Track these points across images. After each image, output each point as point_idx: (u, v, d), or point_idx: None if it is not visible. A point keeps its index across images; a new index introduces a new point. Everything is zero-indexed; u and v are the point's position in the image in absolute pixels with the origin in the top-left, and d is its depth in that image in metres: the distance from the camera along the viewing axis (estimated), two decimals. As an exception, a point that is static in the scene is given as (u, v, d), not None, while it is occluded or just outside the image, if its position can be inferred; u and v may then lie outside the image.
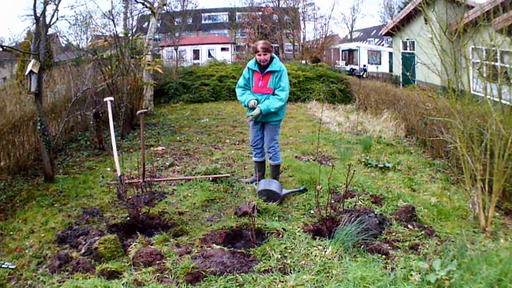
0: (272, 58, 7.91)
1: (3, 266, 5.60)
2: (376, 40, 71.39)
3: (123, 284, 4.94)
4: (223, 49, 56.39)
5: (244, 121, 16.33)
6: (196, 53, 54.73)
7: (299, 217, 6.98)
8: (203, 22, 68.07)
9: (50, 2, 9.66)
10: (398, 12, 50.96)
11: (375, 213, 6.81)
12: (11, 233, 6.82)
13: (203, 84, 24.49)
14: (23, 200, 8.16)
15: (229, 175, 9.17)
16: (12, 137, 9.65)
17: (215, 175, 9.06)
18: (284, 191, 7.83)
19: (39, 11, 9.20)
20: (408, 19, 28.48)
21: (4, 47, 9.98)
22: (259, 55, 7.76)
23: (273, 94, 7.89)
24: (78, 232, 6.47)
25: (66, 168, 10.34)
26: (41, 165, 9.77)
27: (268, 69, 7.84)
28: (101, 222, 7.01)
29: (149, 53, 17.70)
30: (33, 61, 8.64)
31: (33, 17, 9.22)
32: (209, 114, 19.41)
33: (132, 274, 5.25)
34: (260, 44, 7.77)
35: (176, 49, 28.24)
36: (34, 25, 9.37)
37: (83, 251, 5.87)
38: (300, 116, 18.05)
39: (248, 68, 8.05)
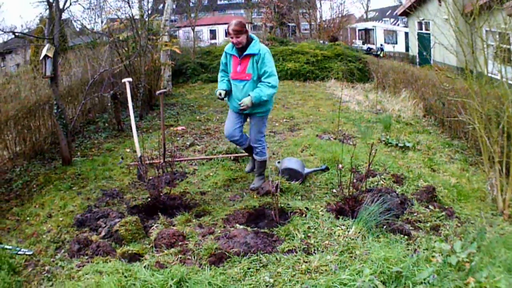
0: (250, 40, 6.84)
1: (19, 252, 5.52)
2: (392, 20, 71.10)
3: (144, 267, 4.86)
4: (239, 29, 56.01)
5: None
6: (213, 33, 54.56)
7: (321, 196, 6.89)
8: (218, 2, 67.89)
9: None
10: None
11: (397, 192, 6.77)
12: (28, 218, 6.76)
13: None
14: (40, 184, 8.09)
15: (247, 154, 8.88)
16: (27, 122, 9.58)
17: (236, 154, 8.96)
18: (306, 170, 7.67)
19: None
20: None
21: (17, 34, 9.91)
22: (231, 37, 6.68)
23: (256, 80, 6.86)
24: (97, 215, 6.41)
25: (84, 151, 10.27)
26: (58, 149, 9.71)
27: (246, 52, 6.74)
28: (121, 204, 6.94)
29: (166, 34, 17.51)
30: (47, 45, 8.51)
31: (46, 3, 9.14)
32: (228, 93, 19.10)
33: (154, 256, 5.20)
34: (231, 25, 6.60)
35: (193, 30, 28.03)
36: (47, 11, 9.29)
37: (103, 234, 5.80)
38: (319, 95, 17.69)
39: (226, 52, 7.09)
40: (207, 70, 23.48)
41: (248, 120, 7.38)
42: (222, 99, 7.11)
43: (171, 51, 17.69)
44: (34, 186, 8.05)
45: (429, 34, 27.61)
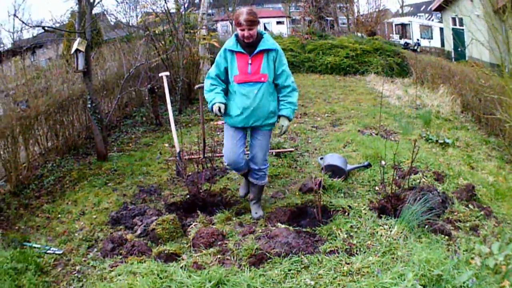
0: (260, 34, 5.73)
1: (48, 251, 5.44)
2: (426, 15, 70.87)
3: (181, 267, 4.75)
4: (278, 22, 56.36)
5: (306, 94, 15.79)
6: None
7: (364, 193, 6.71)
8: (256, -4, 68.05)
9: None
10: None
11: (438, 191, 6.60)
12: (59, 216, 6.69)
13: (261, 57, 24.11)
14: (73, 180, 8.03)
15: (292, 149, 8.84)
16: (59, 117, 9.53)
17: (278, 150, 8.78)
18: (349, 167, 7.49)
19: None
20: None
21: (46, 28, 9.88)
22: (242, 29, 5.49)
23: (271, 83, 5.83)
24: (133, 212, 6.29)
25: (121, 146, 10.23)
26: (93, 144, 9.66)
27: (260, 48, 5.63)
28: (158, 201, 6.83)
29: (204, 27, 17.40)
30: (78, 39, 8.47)
31: (75, -3, 9.02)
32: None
33: (192, 256, 5.08)
34: (243, 14, 5.47)
35: (231, 23, 28.00)
36: (77, 5, 9.23)
37: (138, 232, 5.69)
38: (360, 89, 17.64)
39: (227, 50, 5.74)
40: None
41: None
42: (222, 115, 5.75)
43: (209, 44, 17.58)
44: (67, 182, 8.00)
45: (463, 29, 27.70)
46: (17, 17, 10.66)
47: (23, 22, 10.15)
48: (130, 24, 20.72)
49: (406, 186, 6.28)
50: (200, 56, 16.55)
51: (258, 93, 5.64)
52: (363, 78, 21.28)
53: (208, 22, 19.35)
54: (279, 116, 5.90)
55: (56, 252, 5.42)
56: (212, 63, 6.32)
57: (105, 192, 7.30)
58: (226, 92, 5.88)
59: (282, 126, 5.90)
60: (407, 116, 12.53)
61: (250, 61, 5.65)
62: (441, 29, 39.46)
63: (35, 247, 5.53)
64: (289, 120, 5.90)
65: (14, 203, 7.16)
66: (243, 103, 5.66)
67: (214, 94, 5.72)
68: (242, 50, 5.64)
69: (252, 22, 5.48)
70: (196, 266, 4.78)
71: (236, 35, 5.74)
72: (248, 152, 6.21)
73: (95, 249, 5.51)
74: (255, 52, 5.63)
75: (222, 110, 5.64)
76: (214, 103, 5.63)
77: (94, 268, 5.02)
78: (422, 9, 74.37)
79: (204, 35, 16.75)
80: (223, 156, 6.93)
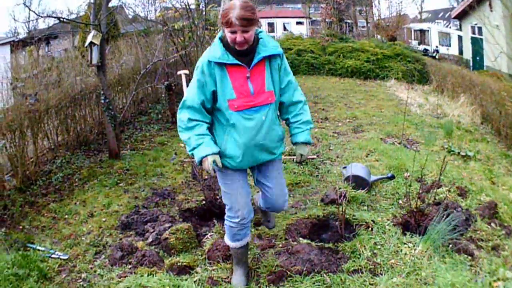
0: (256, 36, 4.16)
1: (53, 256, 5.29)
2: (444, 22, 71.33)
3: (195, 282, 4.59)
4: (298, 23, 56.57)
5: (319, 98, 15.63)
6: (271, 26, 55.18)
7: (387, 207, 6.54)
8: (276, -5, 68.27)
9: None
10: None
11: (461, 207, 6.46)
12: (66, 216, 6.57)
13: (281, 58, 24.42)
14: (82, 179, 7.92)
15: (314, 156, 8.65)
16: (71, 111, 9.43)
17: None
18: (373, 178, 7.30)
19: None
20: (479, 1, 27.74)
21: (62, 19, 9.80)
22: (233, 31, 3.86)
23: (277, 101, 4.39)
24: (145, 217, 6.13)
25: (134, 143, 10.13)
26: (105, 140, 9.57)
27: (262, 55, 4.09)
28: (172, 206, 6.64)
29: (224, 25, 17.31)
30: (93, 32, 8.36)
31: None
32: (288, 89, 19.16)
33: (207, 269, 4.88)
34: (236, 9, 3.83)
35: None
36: None
37: (150, 240, 5.49)
38: (380, 95, 17.72)
39: (212, 64, 4.02)
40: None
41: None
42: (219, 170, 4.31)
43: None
44: (76, 180, 7.88)
45: (482, 38, 28.11)
46: (27, 6, 10.48)
47: (35, 13, 10.02)
48: (149, 18, 20.65)
49: (431, 201, 6.19)
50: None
51: (266, 120, 4.18)
52: (383, 84, 21.49)
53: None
54: (293, 143, 4.57)
55: (61, 257, 5.23)
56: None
57: (115, 193, 7.15)
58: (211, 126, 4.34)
59: (302, 155, 4.53)
60: (428, 125, 12.49)
61: (249, 76, 4.07)
62: (459, 37, 39.86)
63: (39, 250, 5.37)
64: (310, 145, 4.58)
65: (20, 200, 7.01)
66: (246, 137, 4.15)
67: (198, 138, 4.10)
68: (237, 62, 4.02)
69: (249, 21, 3.84)
70: (211, 281, 4.61)
71: (221, 39, 4.09)
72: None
73: (103, 256, 5.31)
74: (256, 61, 4.08)
75: (220, 165, 4.14)
76: (205, 156, 4.07)
77: (101, 277, 4.84)
78: (440, 15, 75.16)
79: (225, 33, 16.65)
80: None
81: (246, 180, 4.48)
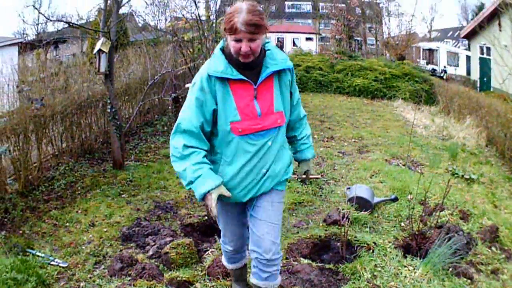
0: (263, 47, 3.59)
1: (52, 262, 5.32)
2: (452, 41, 71.50)
3: None
4: (307, 39, 56.42)
5: (327, 117, 15.67)
6: (281, 41, 54.91)
7: (389, 229, 6.58)
8: (286, 10, 68.36)
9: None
10: (473, 15, 51.75)
11: (463, 230, 6.52)
12: (67, 224, 6.59)
13: (289, 74, 24.48)
14: (85, 187, 7.93)
15: (319, 176, 8.64)
16: (77, 118, 9.47)
17: (304, 175, 8.42)
18: (376, 199, 7.35)
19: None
20: (489, 20, 27.91)
21: (71, 24, 9.86)
22: (238, 40, 3.29)
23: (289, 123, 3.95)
24: (147, 230, 6.15)
25: (139, 155, 10.15)
26: (110, 149, 9.57)
27: (271, 69, 3.53)
28: (174, 220, 6.67)
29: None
30: (102, 39, 8.37)
31: (102, -8, 8.97)
32: (294, 106, 19.23)
33: (206, 285, 4.87)
34: (242, 12, 3.26)
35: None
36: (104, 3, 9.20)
37: (150, 253, 5.50)
38: (387, 115, 17.78)
39: (213, 78, 3.43)
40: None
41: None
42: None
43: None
44: (79, 188, 7.90)
45: (490, 59, 28.03)
46: (36, 8, 10.43)
47: (44, 16, 10.01)
48: (158, 28, 20.72)
49: (433, 224, 6.22)
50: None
51: (273, 146, 3.61)
52: (390, 103, 21.50)
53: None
54: (297, 161, 4.18)
55: (61, 265, 5.25)
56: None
57: (118, 204, 7.16)
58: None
59: (307, 171, 4.20)
60: (433, 147, 12.55)
61: (256, 94, 3.50)
62: (468, 57, 39.97)
63: (38, 256, 5.39)
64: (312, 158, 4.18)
65: (21, 204, 7.04)
66: (246, 166, 3.57)
67: (196, 169, 3.38)
68: (243, 77, 3.44)
69: (257, 27, 3.27)
70: (211, 297, 4.52)
71: (223, 50, 3.53)
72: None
73: (102, 266, 5.32)
74: (264, 76, 3.50)
75: (228, 195, 3.50)
76: (206, 192, 3.36)
77: (99, 287, 4.84)
78: (449, 35, 75.48)
79: (234, 46, 16.70)
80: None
81: (242, 212, 3.90)
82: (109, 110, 8.67)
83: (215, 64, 3.43)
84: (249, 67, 3.44)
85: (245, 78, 3.41)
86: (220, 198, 3.45)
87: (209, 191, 3.33)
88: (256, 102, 3.47)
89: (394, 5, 53.07)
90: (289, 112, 3.75)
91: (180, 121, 3.45)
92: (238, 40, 3.26)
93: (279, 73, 3.58)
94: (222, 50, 3.50)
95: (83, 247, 5.78)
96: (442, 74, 36.21)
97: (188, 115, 3.43)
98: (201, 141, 3.45)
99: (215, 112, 3.45)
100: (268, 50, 3.58)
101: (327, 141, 12.27)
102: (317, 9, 61.38)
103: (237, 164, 3.52)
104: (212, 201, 3.33)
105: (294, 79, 3.78)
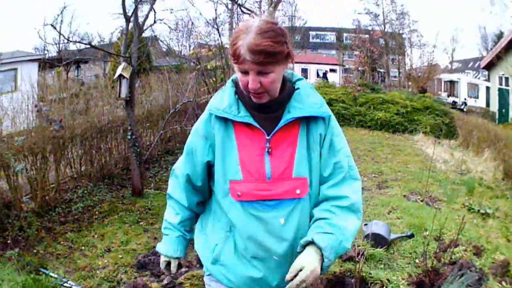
0: (287, 83, 2.56)
1: (65, 284, 5.33)
2: (473, 72, 71.36)
3: None
4: (331, 70, 56.25)
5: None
6: (305, 72, 54.86)
7: (404, 266, 6.56)
8: (310, 40, 68.44)
9: (142, 1, 9.26)
10: (493, 44, 51.63)
11: (476, 266, 6.47)
12: (83, 248, 6.62)
13: (312, 107, 24.57)
14: (103, 212, 7.97)
15: None
16: (96, 142, 9.52)
17: None
18: (392, 236, 7.35)
19: (130, 10, 8.84)
20: (507, 50, 27.96)
21: (92, 45, 9.95)
22: (244, 71, 2.31)
23: (316, 196, 2.52)
24: None
25: (159, 183, 10.11)
26: (129, 176, 9.59)
27: (293, 115, 2.43)
28: (190, 251, 6.50)
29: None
30: (123, 64, 8.41)
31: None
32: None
33: None
34: (250, 34, 2.24)
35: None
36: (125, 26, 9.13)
37: (165, 282, 5.52)
38: (407, 149, 17.79)
39: (213, 117, 2.53)
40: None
41: None
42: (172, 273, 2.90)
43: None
44: (96, 213, 7.93)
45: (508, 90, 28.16)
46: (55, 28, 10.25)
47: (64, 37, 10.06)
48: (182, 54, 20.81)
49: (447, 261, 6.20)
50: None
51: (288, 225, 2.44)
52: (411, 137, 21.47)
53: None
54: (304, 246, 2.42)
55: (74, 287, 5.27)
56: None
57: (135, 232, 7.20)
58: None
59: (300, 271, 2.27)
60: (452, 182, 12.47)
61: (269, 147, 2.43)
62: (487, 88, 39.77)
63: (51, 276, 5.41)
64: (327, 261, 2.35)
65: (37, 224, 7.10)
66: (251, 245, 2.47)
67: (167, 227, 2.73)
68: (250, 121, 2.43)
69: (268, 55, 2.25)
70: (222, 332, 4.59)
71: (236, 82, 2.54)
72: None
73: (116, 293, 5.32)
74: (282, 124, 2.42)
75: (174, 269, 2.75)
76: (166, 256, 2.71)
77: (111, 314, 4.84)
78: (470, 65, 75.08)
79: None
80: None
81: None
82: (129, 137, 8.71)
83: (220, 99, 2.52)
84: (268, 109, 2.45)
85: (254, 123, 2.42)
86: (217, 281, 2.59)
87: (160, 254, 2.72)
88: (268, 159, 2.42)
89: (416, 36, 53.09)
90: (318, 178, 2.51)
91: (175, 165, 2.82)
92: (244, 71, 2.32)
93: (308, 121, 2.48)
94: (235, 82, 2.55)
95: (98, 272, 5.81)
96: (462, 107, 36.27)
97: (181, 160, 2.77)
98: (186, 196, 2.68)
99: (209, 164, 2.59)
100: (297, 88, 2.53)
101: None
102: (341, 40, 61.39)
103: (239, 241, 2.49)
104: (161, 263, 2.74)
105: (335, 134, 2.55)
